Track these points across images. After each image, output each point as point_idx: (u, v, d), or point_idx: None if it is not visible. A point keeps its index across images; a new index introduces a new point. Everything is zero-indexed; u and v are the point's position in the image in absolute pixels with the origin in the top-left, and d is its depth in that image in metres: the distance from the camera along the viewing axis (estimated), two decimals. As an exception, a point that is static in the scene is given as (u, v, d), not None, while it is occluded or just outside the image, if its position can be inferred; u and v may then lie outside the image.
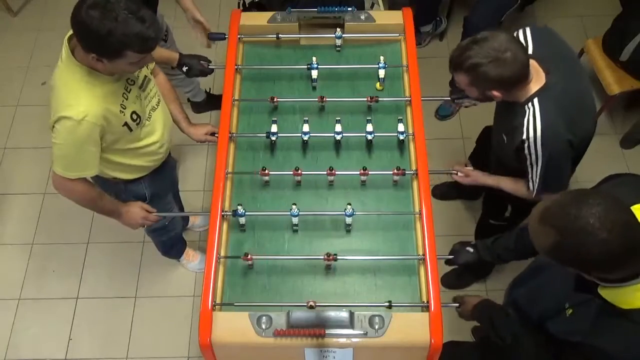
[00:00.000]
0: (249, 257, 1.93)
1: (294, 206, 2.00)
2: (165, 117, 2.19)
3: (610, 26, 3.06)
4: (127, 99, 1.93)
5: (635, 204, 1.40)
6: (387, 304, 1.86)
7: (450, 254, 2.10)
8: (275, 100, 2.27)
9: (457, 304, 2.02)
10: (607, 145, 3.35)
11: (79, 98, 1.80)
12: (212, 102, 3.43)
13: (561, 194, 1.36)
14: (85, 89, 1.81)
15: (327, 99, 2.27)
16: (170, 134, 2.25)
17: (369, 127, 2.19)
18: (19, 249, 3.13)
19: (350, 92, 2.34)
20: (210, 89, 3.48)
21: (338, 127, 2.18)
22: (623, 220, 1.28)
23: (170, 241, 2.80)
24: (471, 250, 2.06)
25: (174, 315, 2.93)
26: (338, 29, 2.39)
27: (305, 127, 2.19)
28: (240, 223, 2.05)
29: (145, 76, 2.06)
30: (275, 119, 2.24)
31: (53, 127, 1.85)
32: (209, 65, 2.47)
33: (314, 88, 2.35)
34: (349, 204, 2.00)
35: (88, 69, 1.81)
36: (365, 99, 2.25)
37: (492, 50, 1.79)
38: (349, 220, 2.02)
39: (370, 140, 2.20)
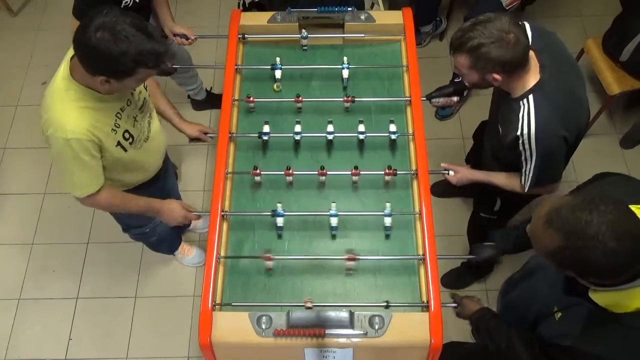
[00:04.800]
0: (269, 256, 1.93)
1: (278, 205, 2.00)
2: (161, 139, 2.21)
3: (610, 26, 3.06)
4: (120, 118, 1.92)
5: (631, 204, 1.39)
6: (384, 304, 1.86)
7: (470, 255, 2.08)
8: (251, 100, 2.27)
9: (455, 304, 2.02)
10: (607, 145, 3.35)
11: (68, 118, 1.78)
12: (212, 101, 3.44)
13: (570, 196, 1.35)
14: (76, 108, 1.78)
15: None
16: (164, 155, 2.29)
17: (361, 128, 2.19)
18: (19, 249, 3.13)
19: (350, 92, 2.33)
20: (211, 87, 3.48)
21: (330, 127, 2.19)
22: (633, 230, 1.26)
23: (158, 242, 2.78)
24: (490, 244, 2.05)
25: (174, 315, 2.93)
26: (304, 30, 2.39)
27: (297, 128, 2.20)
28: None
29: (145, 98, 2.06)
30: (268, 120, 2.25)
31: (47, 142, 1.85)
32: (171, 65, 2.52)
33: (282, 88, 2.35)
34: (333, 203, 2.01)
35: (85, 89, 1.79)
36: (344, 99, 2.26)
37: (496, 30, 1.77)
38: (334, 221, 2.01)
39: (363, 140, 2.20)
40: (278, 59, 2.33)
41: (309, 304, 1.83)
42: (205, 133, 2.39)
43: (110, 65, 1.66)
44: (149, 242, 2.76)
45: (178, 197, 2.74)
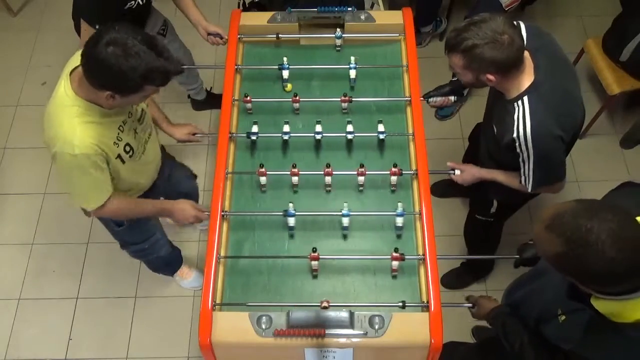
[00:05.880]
0: (316, 256, 1.91)
1: (290, 204, 2.00)
2: (156, 150, 2.21)
3: (610, 26, 3.06)
4: (122, 131, 1.92)
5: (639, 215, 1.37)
6: (400, 304, 1.86)
7: (516, 255, 2.04)
8: (248, 100, 2.26)
9: (470, 304, 2.01)
10: (607, 145, 3.36)
11: (74, 134, 1.77)
12: (212, 101, 3.44)
13: (574, 201, 1.33)
14: (81, 123, 1.78)
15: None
16: (159, 166, 2.29)
17: (349, 128, 2.19)
18: (19, 249, 3.13)
19: (349, 92, 2.33)
20: (211, 87, 3.48)
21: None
22: (635, 240, 1.25)
23: (158, 261, 2.74)
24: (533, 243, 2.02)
25: (174, 315, 2.93)
26: (338, 29, 2.39)
27: (286, 128, 2.20)
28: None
29: (143, 109, 2.06)
30: (256, 120, 2.25)
31: (53, 158, 1.85)
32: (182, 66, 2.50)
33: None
34: (345, 203, 2.01)
35: (88, 103, 1.78)
36: (339, 99, 2.26)
37: (490, 31, 1.78)
38: (345, 221, 2.00)
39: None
40: (285, 59, 2.32)
41: (325, 304, 1.82)
42: (194, 134, 2.39)
43: (118, 80, 1.66)
44: (148, 259, 2.72)
45: (191, 190, 2.73)
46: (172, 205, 2.17)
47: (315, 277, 1.98)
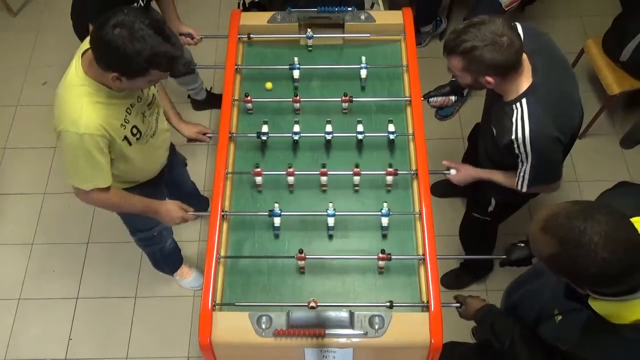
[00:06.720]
0: (302, 256, 1.91)
1: (276, 205, 2.00)
2: (166, 136, 2.21)
3: (610, 26, 3.06)
4: (129, 114, 1.92)
5: (635, 216, 1.37)
6: (387, 303, 1.86)
7: (504, 255, 2.05)
8: (249, 100, 2.27)
9: (458, 304, 2.01)
10: (607, 145, 3.36)
11: (82, 113, 1.78)
12: (212, 101, 3.44)
13: (569, 202, 1.33)
14: (89, 103, 1.79)
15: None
16: (167, 152, 2.28)
17: (361, 128, 2.19)
18: (19, 249, 3.13)
19: (350, 92, 2.33)
20: (211, 87, 3.48)
21: (330, 127, 2.20)
22: (628, 241, 1.25)
23: (160, 253, 2.74)
24: (522, 245, 2.02)
25: (174, 315, 2.93)
26: (309, 30, 2.39)
27: (296, 128, 2.20)
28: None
29: (154, 95, 2.06)
30: (267, 119, 2.25)
31: (58, 137, 1.85)
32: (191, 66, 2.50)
33: (296, 88, 2.36)
34: (330, 203, 2.01)
35: (98, 84, 1.79)
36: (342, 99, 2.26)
37: (490, 33, 1.77)
38: (330, 221, 2.00)
39: (361, 139, 2.21)
40: (296, 59, 2.33)
41: (312, 304, 1.83)
42: (204, 134, 2.39)
43: (123, 63, 1.67)
44: (152, 250, 2.72)
45: (191, 186, 2.73)
46: (159, 206, 2.16)
47: (302, 273, 1.98)
